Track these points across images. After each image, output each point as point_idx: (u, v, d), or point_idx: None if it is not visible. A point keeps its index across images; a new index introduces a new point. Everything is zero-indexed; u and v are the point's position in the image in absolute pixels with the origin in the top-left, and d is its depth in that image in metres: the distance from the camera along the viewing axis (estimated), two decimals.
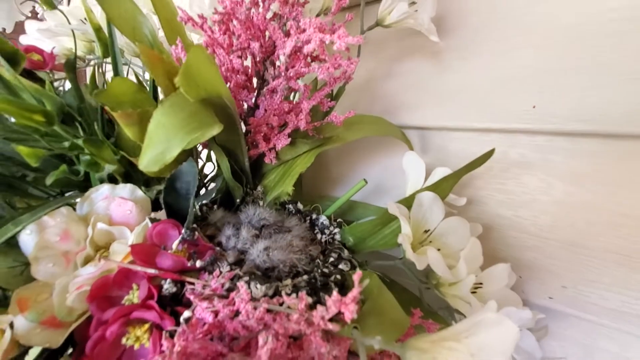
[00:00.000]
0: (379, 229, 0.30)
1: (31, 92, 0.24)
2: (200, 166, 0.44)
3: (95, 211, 0.29)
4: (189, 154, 0.28)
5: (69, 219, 0.27)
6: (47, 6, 0.35)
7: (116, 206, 0.29)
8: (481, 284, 0.28)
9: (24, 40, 0.42)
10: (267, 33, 0.29)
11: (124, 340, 0.21)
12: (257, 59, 0.28)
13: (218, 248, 0.26)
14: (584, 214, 0.31)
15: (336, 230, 0.32)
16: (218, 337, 0.21)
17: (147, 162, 0.19)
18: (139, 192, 0.29)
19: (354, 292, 0.16)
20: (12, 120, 0.27)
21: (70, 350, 0.24)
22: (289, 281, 0.24)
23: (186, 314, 0.19)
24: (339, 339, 0.19)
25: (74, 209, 0.29)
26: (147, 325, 0.22)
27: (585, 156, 0.31)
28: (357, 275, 0.16)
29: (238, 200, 0.34)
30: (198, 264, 0.24)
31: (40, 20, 0.47)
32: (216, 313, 0.20)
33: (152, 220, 0.26)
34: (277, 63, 0.28)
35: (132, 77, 0.39)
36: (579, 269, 0.32)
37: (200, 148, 0.39)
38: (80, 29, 0.37)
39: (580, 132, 0.31)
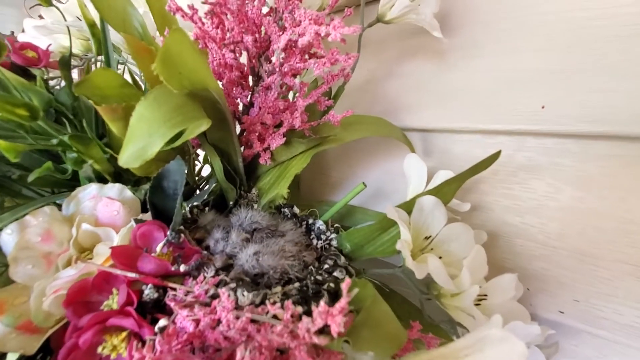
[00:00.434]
0: (378, 234, 0.29)
1: (16, 86, 0.23)
2: (198, 169, 0.43)
3: (81, 211, 0.28)
4: (178, 152, 0.27)
5: (52, 219, 0.26)
6: (44, 3, 0.34)
7: (103, 206, 0.28)
8: (486, 295, 0.26)
9: (22, 37, 0.42)
10: (262, 29, 0.28)
11: (99, 350, 0.20)
12: (252, 54, 0.27)
13: (205, 252, 0.25)
14: (593, 221, 0.29)
15: (333, 235, 0.31)
16: (200, 348, 0.19)
17: (127, 157, 0.18)
18: (128, 193, 0.28)
19: (342, 303, 0.14)
20: None
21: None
22: (279, 289, 0.23)
23: (161, 322, 0.18)
24: (328, 354, 0.18)
25: (61, 209, 0.28)
26: (124, 334, 0.20)
27: (594, 160, 0.29)
28: (345, 284, 0.15)
29: (231, 203, 0.32)
30: (182, 268, 0.22)
31: None
32: (197, 322, 0.19)
33: (138, 221, 0.25)
34: (272, 58, 0.27)
35: (127, 77, 0.39)
36: (590, 280, 0.30)
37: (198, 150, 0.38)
38: (76, 25, 0.36)
39: (590, 134, 0.29)
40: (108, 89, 0.22)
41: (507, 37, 0.32)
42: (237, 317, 0.17)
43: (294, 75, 0.28)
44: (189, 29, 0.27)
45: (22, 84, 0.24)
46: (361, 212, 0.37)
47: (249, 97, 0.30)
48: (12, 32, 0.68)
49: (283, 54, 0.26)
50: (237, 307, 0.20)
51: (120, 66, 0.41)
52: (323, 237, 0.31)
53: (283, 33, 0.25)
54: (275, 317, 0.18)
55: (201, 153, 0.45)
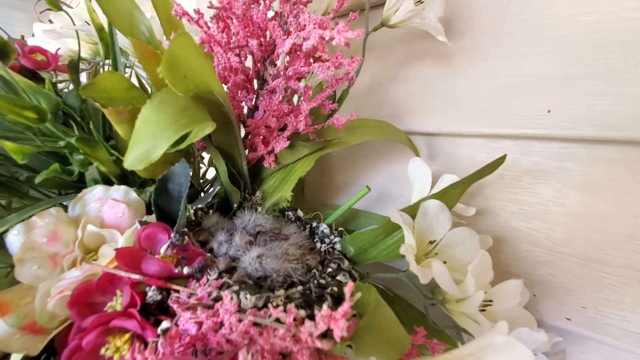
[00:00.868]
0: (382, 238, 0.29)
1: (24, 89, 0.24)
2: (202, 172, 0.43)
3: (87, 213, 0.28)
4: (183, 155, 0.27)
5: (58, 220, 0.26)
6: (53, 7, 0.35)
7: (108, 208, 0.28)
8: (491, 301, 0.25)
9: (31, 41, 0.42)
10: (267, 33, 0.28)
11: (102, 351, 0.20)
12: (257, 58, 0.27)
13: (209, 254, 0.25)
14: (600, 226, 0.29)
15: (336, 239, 0.31)
16: (202, 351, 0.19)
17: (132, 160, 0.18)
18: (133, 195, 0.29)
19: (345, 307, 0.14)
20: None
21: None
22: (281, 292, 0.23)
23: (164, 324, 0.18)
24: (331, 358, 0.17)
25: (67, 211, 0.28)
26: (127, 335, 0.20)
27: (601, 164, 0.29)
28: (348, 288, 0.14)
29: (235, 206, 0.32)
30: (186, 270, 0.22)
31: None
32: (200, 325, 0.19)
33: (142, 223, 0.25)
34: (277, 62, 0.27)
35: (134, 80, 0.39)
36: (597, 287, 0.29)
37: (203, 153, 0.38)
38: (84, 29, 0.37)
39: (597, 139, 0.29)
40: (114, 92, 0.22)
41: (512, 42, 0.32)
42: (240, 320, 0.17)
43: (299, 79, 0.28)
44: (195, 33, 0.27)
45: (31, 86, 0.25)
46: (365, 216, 0.37)
47: (254, 100, 0.31)
48: (23, 36, 0.69)
49: (288, 58, 0.26)
50: (240, 310, 0.19)
51: (127, 70, 0.42)
52: (327, 240, 0.31)
53: (288, 37, 0.25)
54: (278, 320, 0.18)
55: (206, 156, 0.46)
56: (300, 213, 0.33)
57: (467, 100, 0.35)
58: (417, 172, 0.33)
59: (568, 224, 0.30)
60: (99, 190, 0.28)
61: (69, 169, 0.30)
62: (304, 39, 0.23)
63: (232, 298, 0.19)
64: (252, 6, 0.26)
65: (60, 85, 0.43)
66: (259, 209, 0.33)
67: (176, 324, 0.19)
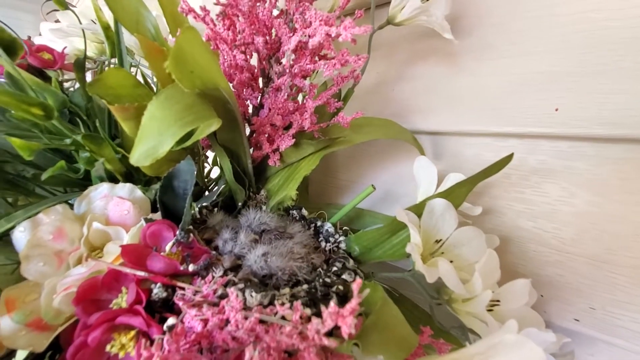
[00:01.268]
0: (387, 237, 0.28)
1: (31, 86, 0.24)
2: (206, 171, 0.43)
3: (93, 210, 0.28)
4: (189, 152, 0.27)
5: (64, 217, 0.26)
6: (60, 6, 0.35)
7: (114, 206, 0.28)
8: (498, 301, 0.25)
9: (38, 40, 0.43)
10: (273, 31, 0.28)
11: (108, 348, 0.20)
12: (262, 55, 0.27)
13: (214, 252, 0.25)
14: (609, 226, 0.29)
15: (341, 238, 0.30)
16: (208, 348, 0.19)
17: (139, 156, 0.18)
18: (138, 192, 0.29)
19: (353, 304, 0.14)
20: None
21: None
22: (287, 290, 0.22)
23: (170, 321, 0.18)
24: (337, 357, 0.17)
25: (73, 208, 0.28)
26: (133, 332, 0.20)
27: (610, 163, 0.28)
28: (356, 284, 0.14)
29: (240, 204, 0.32)
30: (191, 267, 0.22)
31: None
32: (205, 322, 0.19)
33: (147, 220, 0.25)
34: (283, 60, 0.27)
35: (140, 79, 0.39)
36: (606, 287, 0.29)
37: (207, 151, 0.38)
38: (91, 28, 0.37)
39: (606, 137, 0.28)
40: (121, 89, 0.22)
41: (519, 39, 0.32)
42: (246, 318, 0.17)
43: (304, 77, 0.28)
44: (201, 30, 0.27)
45: (38, 84, 0.25)
46: (370, 215, 0.37)
47: (259, 98, 0.30)
48: (29, 37, 0.69)
49: (293, 56, 0.26)
50: (245, 307, 0.19)
51: (132, 69, 0.42)
52: (331, 239, 0.30)
53: (294, 34, 0.25)
54: (283, 318, 0.18)
55: (210, 155, 0.46)
56: (304, 212, 0.33)
57: (473, 98, 0.35)
58: (423, 171, 0.33)
59: (576, 224, 0.30)
60: (104, 187, 0.28)
61: (75, 167, 0.30)
62: (309, 36, 0.23)
63: (237, 296, 0.19)
64: (258, 4, 0.26)
65: (66, 84, 0.44)
66: (264, 207, 0.33)
67: (182, 321, 0.19)
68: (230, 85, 0.29)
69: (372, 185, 0.30)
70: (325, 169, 0.48)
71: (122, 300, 0.22)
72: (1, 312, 0.23)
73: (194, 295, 0.20)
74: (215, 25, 0.25)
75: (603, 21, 0.28)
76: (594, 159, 0.29)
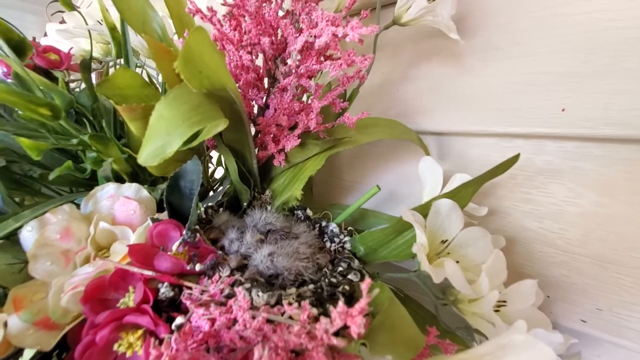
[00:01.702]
0: (392, 238, 0.28)
1: (39, 86, 0.24)
2: (211, 171, 0.43)
3: (99, 210, 0.28)
4: (195, 152, 0.27)
5: (70, 217, 0.27)
6: (67, 7, 0.35)
7: (120, 205, 0.28)
8: (505, 301, 0.25)
9: (45, 41, 0.43)
10: (279, 31, 0.28)
11: (115, 347, 0.20)
12: (268, 56, 0.27)
13: (220, 252, 0.25)
14: (616, 227, 0.28)
15: (346, 238, 0.30)
16: (215, 347, 0.19)
17: (146, 156, 0.18)
18: (144, 192, 0.29)
19: (362, 303, 0.14)
20: None
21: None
22: (293, 290, 0.23)
23: (178, 320, 0.18)
24: (345, 357, 0.17)
25: (79, 208, 0.28)
26: (140, 332, 0.20)
27: (616, 164, 0.28)
28: (365, 284, 0.14)
29: (245, 204, 0.32)
30: (198, 267, 0.22)
31: None
32: (213, 321, 0.19)
33: (154, 220, 0.25)
34: (289, 61, 0.27)
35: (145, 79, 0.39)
36: (613, 288, 0.29)
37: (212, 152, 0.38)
38: (97, 29, 0.37)
39: (612, 138, 0.28)
40: (128, 89, 0.22)
41: (525, 39, 0.32)
42: (254, 317, 0.17)
43: (310, 77, 0.28)
44: (207, 31, 0.27)
45: (45, 84, 0.25)
46: (374, 215, 0.36)
47: (264, 99, 0.31)
48: (34, 38, 0.70)
49: (299, 56, 0.26)
50: (252, 307, 0.19)
51: (138, 69, 0.42)
52: (336, 240, 0.30)
53: (300, 35, 0.25)
54: (290, 318, 0.18)
55: (214, 155, 0.46)
56: (309, 212, 0.33)
57: (479, 98, 0.35)
58: (428, 171, 0.32)
59: (582, 225, 0.30)
60: (110, 187, 0.28)
61: (82, 167, 0.30)
62: (316, 36, 0.23)
63: (244, 295, 0.19)
64: (264, 4, 0.26)
65: (71, 85, 0.44)
66: (269, 207, 0.33)
67: (189, 321, 0.19)
68: (236, 85, 0.29)
69: (377, 185, 0.30)
70: (329, 170, 0.48)
71: (130, 299, 0.22)
72: (9, 311, 0.23)
73: (201, 294, 0.20)
74: (222, 25, 0.25)
75: (608, 21, 0.28)
76: (600, 159, 0.29)
